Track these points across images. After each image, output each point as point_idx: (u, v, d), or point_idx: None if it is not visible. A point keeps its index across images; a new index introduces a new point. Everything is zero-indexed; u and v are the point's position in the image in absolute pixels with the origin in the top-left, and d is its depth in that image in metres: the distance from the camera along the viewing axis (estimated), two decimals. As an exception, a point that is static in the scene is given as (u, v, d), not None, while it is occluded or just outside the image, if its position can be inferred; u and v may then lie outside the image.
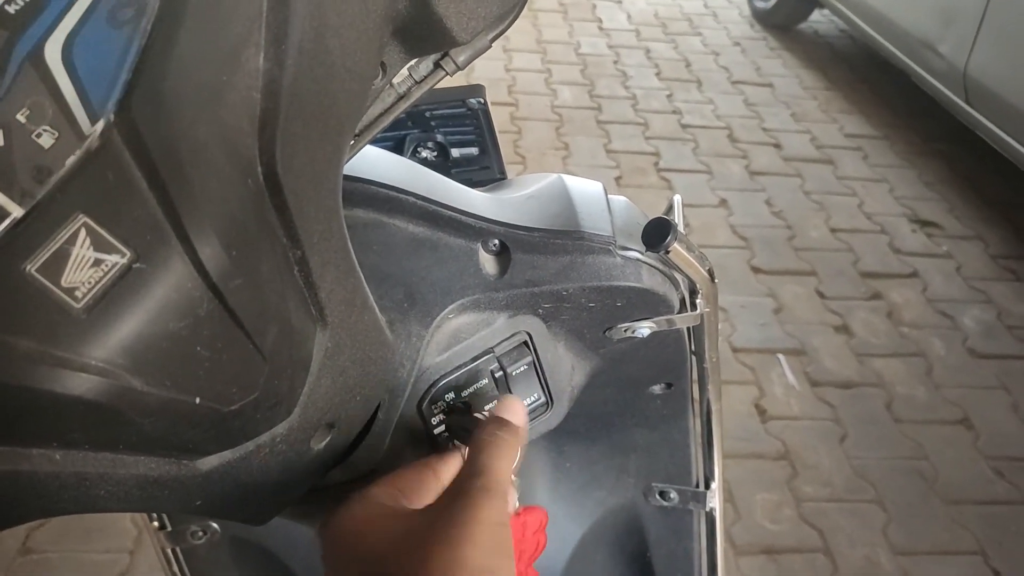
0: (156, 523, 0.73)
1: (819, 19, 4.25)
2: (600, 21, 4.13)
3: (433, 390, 0.48)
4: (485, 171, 0.77)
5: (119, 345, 0.25)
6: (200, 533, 0.73)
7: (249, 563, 0.76)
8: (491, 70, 3.44)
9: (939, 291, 2.43)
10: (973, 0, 2.64)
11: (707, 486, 0.75)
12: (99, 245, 0.25)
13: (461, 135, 0.76)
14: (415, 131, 0.79)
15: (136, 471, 0.31)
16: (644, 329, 0.51)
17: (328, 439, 0.40)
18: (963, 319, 2.32)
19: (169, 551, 0.74)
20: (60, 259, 0.24)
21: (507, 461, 0.39)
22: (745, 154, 3.05)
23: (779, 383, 2.06)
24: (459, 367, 0.48)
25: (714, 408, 0.70)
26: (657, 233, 0.45)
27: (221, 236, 0.27)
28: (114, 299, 0.25)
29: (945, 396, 2.07)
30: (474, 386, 0.49)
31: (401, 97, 0.42)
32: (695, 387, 0.68)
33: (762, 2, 4.16)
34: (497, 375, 0.49)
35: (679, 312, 0.52)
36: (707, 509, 0.75)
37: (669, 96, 3.43)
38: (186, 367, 0.27)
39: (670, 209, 0.55)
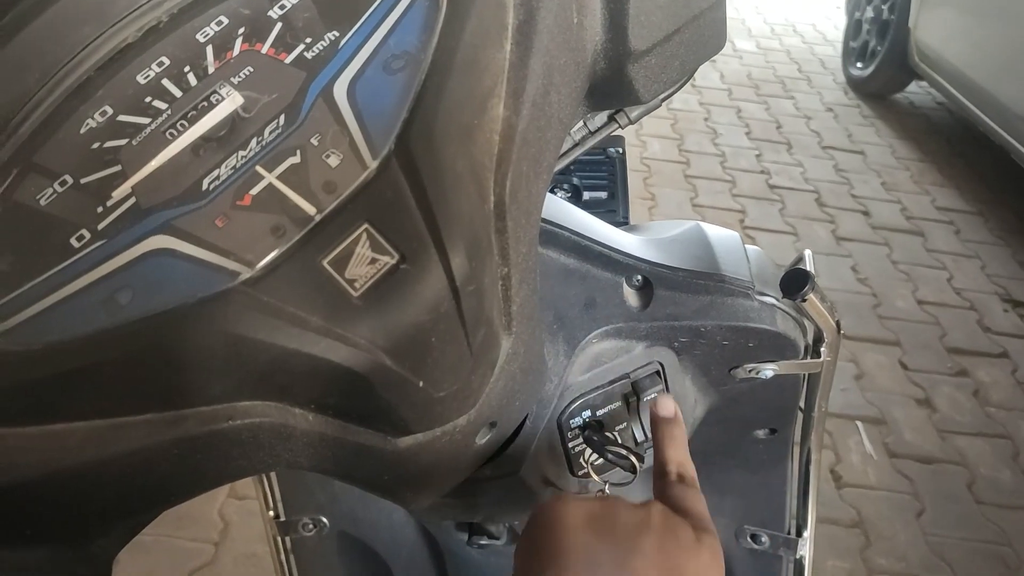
0: (272, 512, 0.79)
1: (916, 90, 4.20)
2: (693, 79, 4.18)
3: (572, 406, 0.53)
4: (611, 214, 0.83)
5: (381, 328, 0.31)
6: (311, 526, 0.78)
7: (353, 559, 0.80)
8: (583, 118, 3.52)
9: (1030, 374, 2.36)
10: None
11: (799, 534, 0.77)
12: (376, 247, 0.31)
13: (595, 179, 0.82)
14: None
15: (357, 439, 0.37)
16: (768, 371, 0.55)
17: (488, 436, 0.45)
18: (1055, 405, 2.25)
19: (279, 540, 0.80)
20: (346, 256, 0.31)
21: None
22: (832, 219, 3.04)
23: (856, 451, 2.03)
24: (597, 388, 0.53)
25: (814, 458, 0.72)
26: (796, 282, 0.50)
27: (466, 249, 0.33)
28: (382, 292, 0.31)
29: (1032, 482, 2.00)
30: (608, 407, 0.54)
31: (576, 144, 0.48)
32: (798, 435, 0.70)
33: (857, 70, 4.15)
34: (630, 399, 0.54)
35: (802, 359, 0.56)
36: (797, 556, 0.77)
37: (758, 156, 3.44)
38: (421, 353, 0.33)
39: (800, 260, 0.59)
